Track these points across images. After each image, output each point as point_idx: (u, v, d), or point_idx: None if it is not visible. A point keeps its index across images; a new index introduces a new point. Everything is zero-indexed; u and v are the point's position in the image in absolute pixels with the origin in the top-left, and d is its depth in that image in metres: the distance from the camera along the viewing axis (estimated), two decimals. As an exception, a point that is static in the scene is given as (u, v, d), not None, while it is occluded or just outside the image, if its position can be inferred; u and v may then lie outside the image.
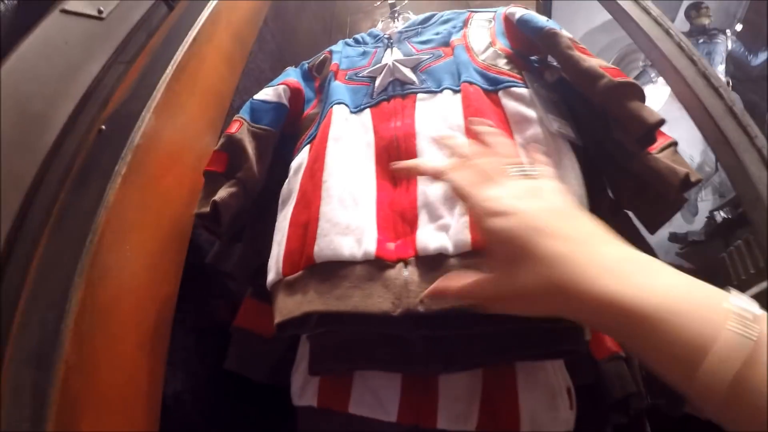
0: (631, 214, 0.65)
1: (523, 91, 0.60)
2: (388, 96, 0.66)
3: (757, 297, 0.65)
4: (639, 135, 0.55)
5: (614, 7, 0.71)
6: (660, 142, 0.57)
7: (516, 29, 0.67)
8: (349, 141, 0.61)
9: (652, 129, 0.54)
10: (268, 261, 0.61)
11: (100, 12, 0.68)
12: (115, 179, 0.56)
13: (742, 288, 0.69)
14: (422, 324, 0.50)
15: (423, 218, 0.54)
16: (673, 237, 0.95)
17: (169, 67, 0.66)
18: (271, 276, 0.58)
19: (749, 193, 0.51)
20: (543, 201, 0.36)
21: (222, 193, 0.63)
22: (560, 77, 0.65)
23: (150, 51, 0.70)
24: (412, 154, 0.59)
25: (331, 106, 0.65)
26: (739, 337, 0.26)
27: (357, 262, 0.52)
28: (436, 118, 0.60)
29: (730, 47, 0.75)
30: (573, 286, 0.31)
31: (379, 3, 0.81)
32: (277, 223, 0.63)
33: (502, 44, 0.67)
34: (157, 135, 0.63)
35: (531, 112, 0.58)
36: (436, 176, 0.46)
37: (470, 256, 0.49)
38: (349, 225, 0.54)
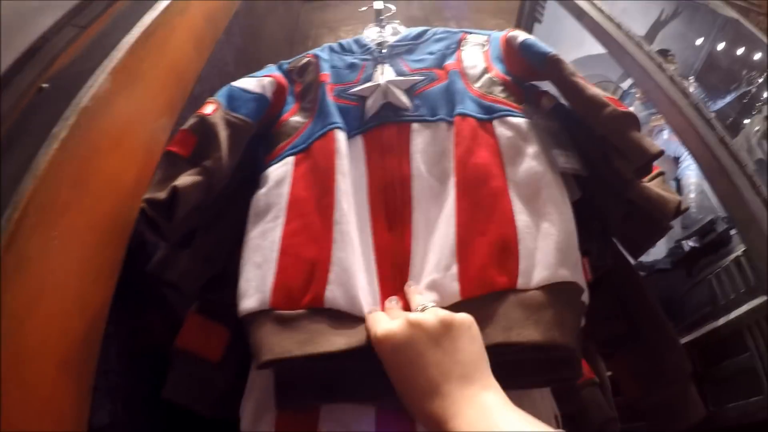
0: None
1: (520, 121, 0.59)
2: (380, 121, 0.61)
3: (752, 312, 0.71)
4: (640, 164, 0.56)
5: (610, 41, 0.73)
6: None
7: (516, 53, 0.65)
8: (350, 176, 0.57)
9: (652, 159, 0.55)
10: (218, 274, 0.57)
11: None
12: (51, 142, 0.43)
13: (733, 307, 0.75)
14: None
15: (414, 269, 0.54)
16: (639, 265, 0.99)
17: (135, 29, 0.55)
18: (252, 303, 0.51)
19: (743, 216, 0.54)
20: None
21: (185, 179, 0.52)
22: (557, 103, 0.64)
23: (111, 15, 0.59)
24: (407, 199, 0.57)
25: (331, 130, 0.60)
26: None
27: (362, 316, 0.50)
28: (431, 157, 0.59)
29: (692, 92, 0.84)
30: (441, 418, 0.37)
31: (365, 9, 0.76)
32: (249, 239, 0.56)
33: (499, 70, 0.66)
34: (110, 101, 0.51)
35: (526, 146, 0.57)
36: None
37: (459, 306, 0.49)
38: (361, 277, 0.52)
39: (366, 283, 0.52)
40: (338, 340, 0.48)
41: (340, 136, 0.59)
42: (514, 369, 0.48)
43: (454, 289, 0.50)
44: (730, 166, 0.54)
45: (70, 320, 0.42)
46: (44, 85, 0.49)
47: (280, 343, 0.48)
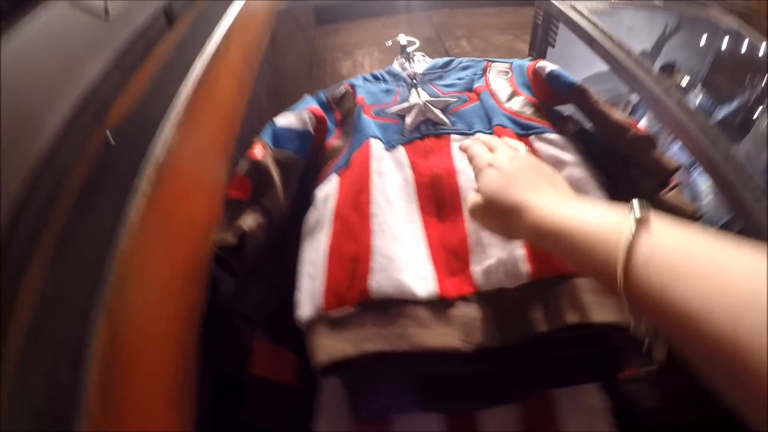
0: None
1: (555, 136, 0.63)
2: (422, 135, 0.65)
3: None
4: (661, 179, 0.62)
5: (617, 64, 0.77)
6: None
7: (543, 82, 0.70)
8: (391, 177, 0.60)
9: (671, 174, 0.62)
10: (286, 301, 0.56)
11: (106, 8, 0.59)
12: (137, 197, 0.47)
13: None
14: (485, 359, 0.48)
15: (476, 255, 0.54)
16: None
17: (189, 79, 0.59)
18: (306, 311, 0.52)
19: (750, 226, 0.57)
20: (520, 163, 0.47)
21: (250, 222, 0.56)
22: (581, 128, 0.69)
23: (158, 63, 0.62)
24: (455, 189, 0.59)
25: (367, 139, 0.63)
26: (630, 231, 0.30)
27: (418, 299, 0.50)
28: None
29: (699, 102, 0.86)
30: (525, 210, 0.41)
31: (390, 44, 0.80)
32: (303, 255, 0.58)
33: (527, 94, 0.70)
34: (178, 151, 0.54)
35: (565, 155, 0.61)
36: (462, 150, 0.55)
37: (528, 287, 0.49)
38: (407, 261, 0.52)
39: (417, 267, 0.52)
40: (390, 338, 0.47)
41: (375, 143, 0.63)
42: (565, 365, 0.51)
43: (523, 269, 0.50)
44: (736, 181, 0.57)
45: (171, 358, 0.45)
46: (110, 136, 0.52)
47: (334, 345, 0.49)
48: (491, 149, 0.51)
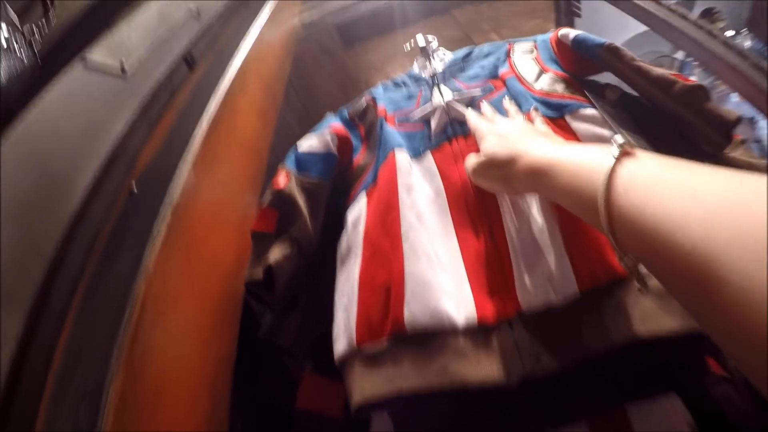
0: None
1: (592, 111, 0.56)
2: (449, 137, 0.61)
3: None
4: (721, 133, 0.52)
5: (652, 18, 0.68)
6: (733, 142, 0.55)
7: (570, 51, 0.63)
8: (420, 190, 0.56)
9: (732, 127, 0.52)
10: (329, 330, 0.54)
11: (122, 67, 0.62)
12: (153, 242, 0.48)
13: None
14: (534, 387, 0.43)
15: (518, 267, 0.48)
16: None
17: (204, 118, 0.59)
18: (341, 347, 0.50)
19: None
20: (518, 124, 0.52)
21: (276, 254, 0.55)
22: (622, 93, 0.61)
23: (177, 107, 0.64)
24: (490, 195, 0.54)
25: (392, 151, 0.60)
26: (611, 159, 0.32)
27: (457, 330, 0.46)
28: None
29: (748, 45, 0.74)
30: (521, 156, 0.44)
31: (409, 49, 0.77)
32: (338, 285, 0.56)
33: (555, 69, 0.63)
34: (197, 192, 0.55)
35: (605, 131, 0.54)
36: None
37: (579, 302, 0.43)
38: (443, 287, 0.48)
39: (455, 290, 0.48)
40: (428, 375, 0.44)
41: (400, 155, 0.60)
42: (636, 377, 0.44)
43: (571, 280, 0.45)
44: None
45: (199, 400, 0.45)
46: (134, 189, 0.54)
47: (369, 383, 0.46)
48: (490, 120, 0.57)
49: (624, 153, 0.32)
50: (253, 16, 0.79)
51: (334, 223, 0.64)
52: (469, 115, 0.58)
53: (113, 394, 0.38)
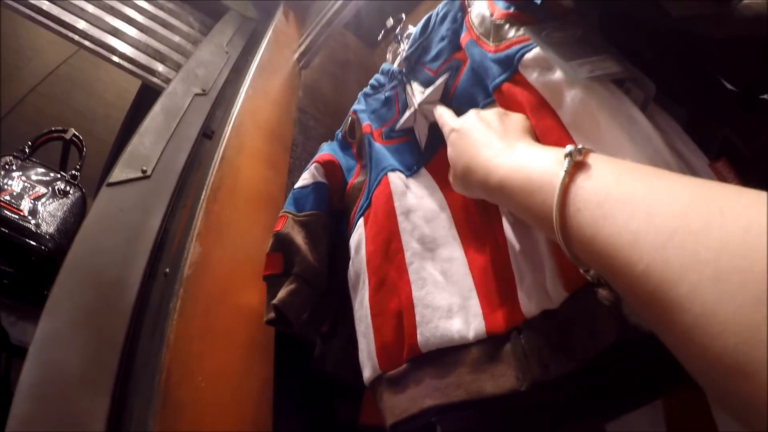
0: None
1: (535, 51, 0.47)
2: (436, 146, 0.59)
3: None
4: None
5: None
6: None
7: None
8: (420, 211, 0.56)
9: None
10: None
11: (144, 171, 0.73)
12: (171, 316, 0.57)
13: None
14: (548, 390, 0.42)
15: (518, 276, 0.47)
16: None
17: (202, 193, 0.67)
18: (368, 373, 0.53)
19: None
20: (470, 119, 0.48)
21: (281, 294, 0.60)
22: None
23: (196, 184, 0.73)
24: (490, 203, 0.51)
25: (385, 174, 0.60)
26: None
27: (469, 344, 0.47)
28: None
29: None
30: (474, 171, 0.42)
31: (381, 36, 0.75)
32: (355, 312, 0.58)
33: (500, 8, 0.54)
34: (206, 260, 0.63)
35: (556, 75, 0.44)
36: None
37: (569, 302, 0.41)
38: (452, 306, 0.49)
39: (464, 307, 0.49)
40: (446, 390, 0.46)
41: (394, 177, 0.59)
42: (617, 388, 0.43)
43: (558, 283, 0.42)
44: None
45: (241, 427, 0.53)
46: (167, 270, 0.64)
47: (397, 405, 0.48)
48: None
49: (575, 165, 0.30)
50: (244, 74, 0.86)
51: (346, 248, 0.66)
52: (439, 120, 0.53)
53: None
